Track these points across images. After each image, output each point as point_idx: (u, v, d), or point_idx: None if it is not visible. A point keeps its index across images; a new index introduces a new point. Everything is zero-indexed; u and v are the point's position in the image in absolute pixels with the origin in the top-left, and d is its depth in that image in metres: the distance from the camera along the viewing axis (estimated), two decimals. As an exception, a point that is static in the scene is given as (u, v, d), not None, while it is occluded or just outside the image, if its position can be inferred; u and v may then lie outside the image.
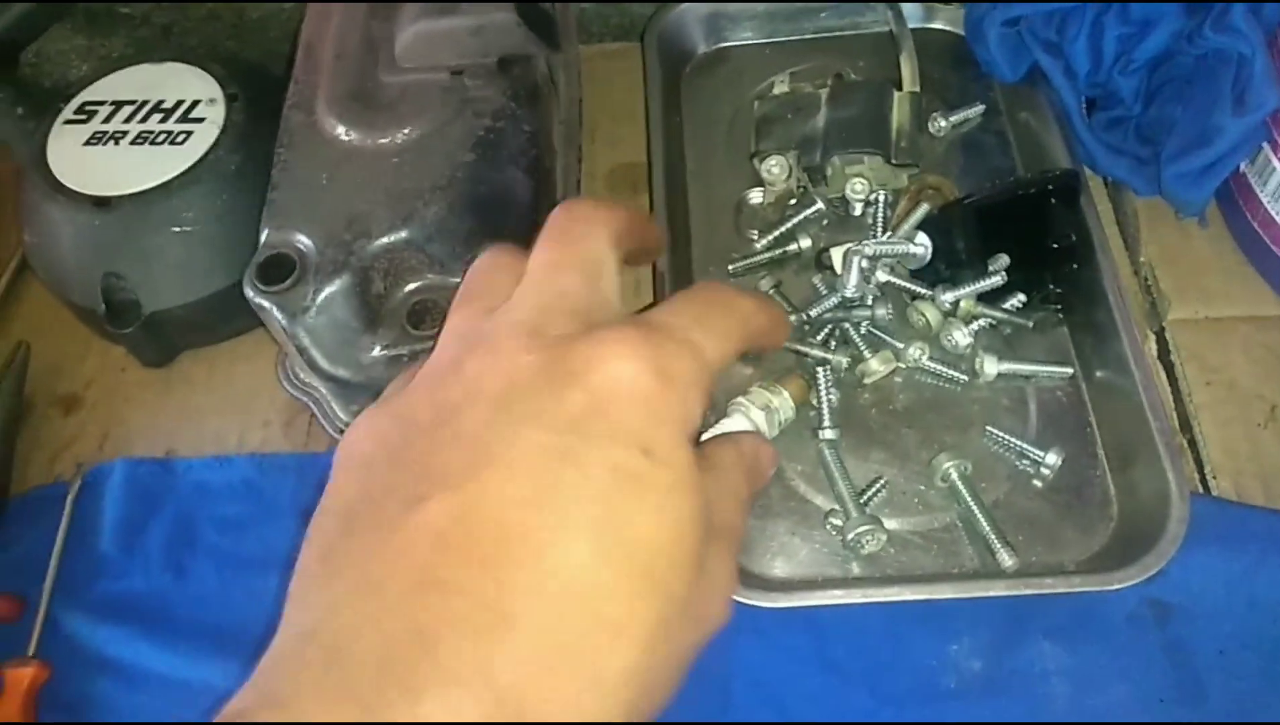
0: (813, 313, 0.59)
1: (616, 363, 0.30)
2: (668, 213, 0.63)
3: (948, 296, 0.57)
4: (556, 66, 0.63)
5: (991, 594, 0.50)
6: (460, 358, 0.32)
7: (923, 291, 0.58)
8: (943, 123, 0.67)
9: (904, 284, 0.59)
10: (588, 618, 0.27)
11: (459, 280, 0.53)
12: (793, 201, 0.65)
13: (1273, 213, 0.58)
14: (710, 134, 0.70)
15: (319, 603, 0.28)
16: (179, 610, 0.56)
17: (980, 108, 0.68)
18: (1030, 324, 0.58)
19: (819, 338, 0.59)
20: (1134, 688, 0.50)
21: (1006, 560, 0.51)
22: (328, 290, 0.52)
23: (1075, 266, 0.58)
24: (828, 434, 0.55)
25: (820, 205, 0.64)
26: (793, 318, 0.59)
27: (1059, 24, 0.62)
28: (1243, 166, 0.59)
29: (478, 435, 0.30)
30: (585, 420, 0.29)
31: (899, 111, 0.64)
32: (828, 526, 0.54)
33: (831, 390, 0.56)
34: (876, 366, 0.57)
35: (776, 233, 0.63)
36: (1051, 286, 0.58)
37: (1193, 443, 0.56)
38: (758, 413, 0.44)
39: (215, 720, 0.26)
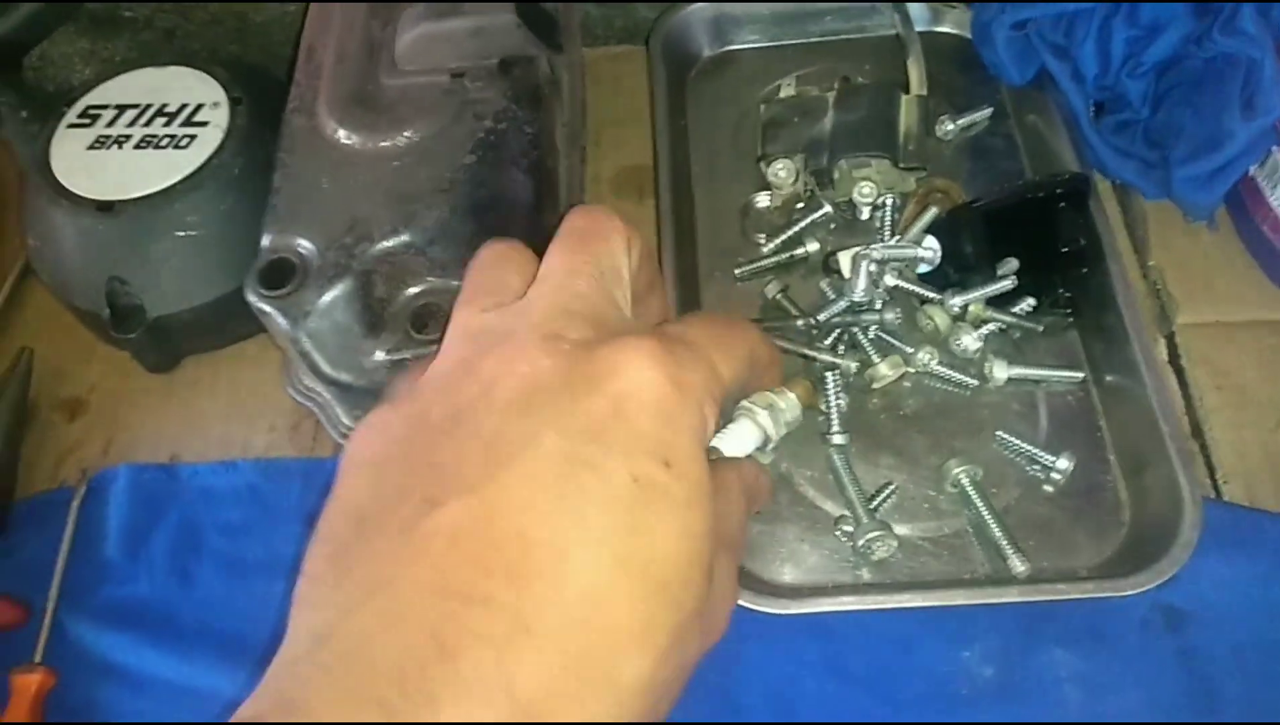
0: (821, 317, 0.59)
1: (637, 370, 0.30)
2: (674, 217, 0.63)
3: (957, 301, 0.57)
4: (559, 67, 0.62)
5: (1003, 600, 0.50)
6: (473, 357, 0.32)
7: (931, 296, 0.58)
8: (950, 126, 0.67)
9: (913, 288, 0.58)
10: (606, 628, 0.27)
11: (461, 283, 0.53)
12: (800, 205, 0.65)
13: (1283, 216, 0.57)
14: (716, 137, 0.70)
15: (330, 605, 0.28)
16: (184, 616, 0.56)
17: (988, 111, 0.68)
18: (1040, 328, 0.58)
19: (827, 342, 0.59)
20: (1147, 694, 0.49)
21: (1018, 566, 0.50)
22: (330, 295, 0.52)
23: (1085, 270, 0.58)
24: (837, 439, 0.55)
25: (827, 209, 0.63)
26: (800, 322, 0.59)
27: (1067, 27, 0.61)
28: (1252, 170, 0.59)
29: (495, 437, 0.30)
30: (606, 427, 0.29)
31: (906, 115, 0.63)
32: (837, 532, 0.53)
33: (840, 395, 0.56)
34: (885, 371, 0.56)
35: (783, 237, 0.63)
36: (1061, 290, 0.58)
37: (1203, 447, 0.56)
38: (763, 415, 0.43)
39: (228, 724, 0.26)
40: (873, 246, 0.58)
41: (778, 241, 0.63)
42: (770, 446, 0.45)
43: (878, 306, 0.58)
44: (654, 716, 0.29)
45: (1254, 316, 0.59)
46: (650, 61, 0.71)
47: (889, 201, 0.62)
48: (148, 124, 0.62)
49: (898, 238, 0.60)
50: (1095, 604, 0.50)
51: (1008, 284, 0.57)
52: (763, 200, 0.66)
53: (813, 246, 0.62)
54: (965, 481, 0.53)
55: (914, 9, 0.70)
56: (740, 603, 0.49)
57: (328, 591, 0.29)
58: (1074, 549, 0.52)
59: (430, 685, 0.25)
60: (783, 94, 0.69)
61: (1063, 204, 0.57)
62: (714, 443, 0.44)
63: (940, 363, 0.57)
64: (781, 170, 0.63)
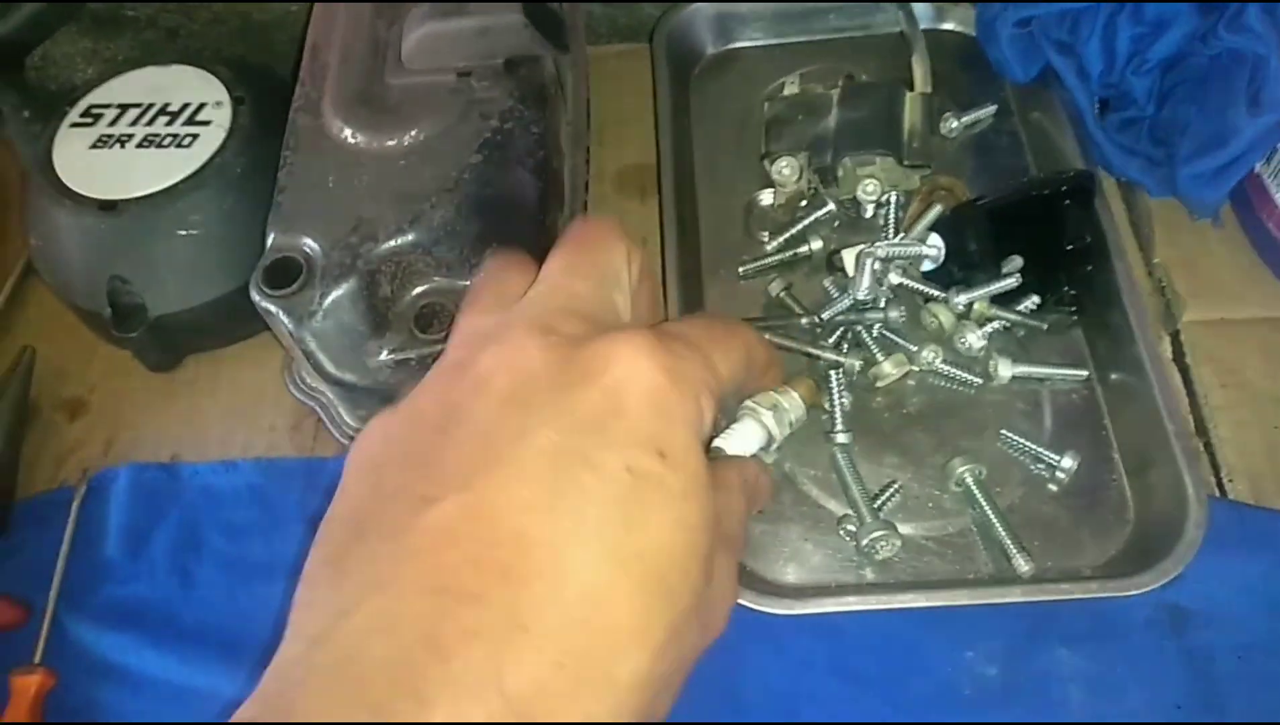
0: (825, 315, 0.59)
1: (631, 362, 0.30)
2: (677, 215, 0.63)
3: (961, 299, 0.57)
4: (564, 67, 0.62)
5: (1008, 600, 0.50)
6: (468, 356, 0.32)
7: (936, 294, 0.58)
8: (954, 123, 0.67)
9: (917, 286, 0.58)
10: (601, 625, 0.27)
11: (467, 283, 0.53)
12: (803, 203, 0.65)
13: (1289, 213, 0.57)
14: (720, 135, 0.70)
15: (327, 607, 0.28)
16: (185, 616, 0.56)
17: (992, 108, 0.67)
18: (1044, 326, 0.58)
19: (831, 341, 0.58)
20: (1151, 694, 0.49)
21: (1023, 566, 0.50)
22: (334, 294, 0.52)
23: (1089, 268, 0.57)
24: (840, 438, 0.55)
25: (831, 207, 0.63)
26: (804, 321, 0.59)
27: (1072, 24, 0.61)
28: (1257, 167, 0.58)
29: (488, 433, 0.29)
30: (600, 420, 0.29)
31: (910, 112, 0.63)
32: (841, 532, 0.53)
33: (844, 394, 0.56)
34: (889, 370, 0.56)
35: (787, 235, 0.63)
36: (1066, 288, 0.58)
37: (1208, 445, 0.56)
38: (767, 415, 0.43)
39: None
40: (877, 244, 0.58)
41: (781, 239, 0.63)
42: (774, 446, 0.45)
43: (882, 305, 0.58)
44: (653, 714, 0.29)
45: (1259, 314, 0.59)
46: (654, 60, 0.71)
47: (893, 199, 0.62)
48: (150, 123, 0.62)
49: (902, 235, 0.60)
50: (1100, 604, 0.50)
51: (1012, 282, 0.57)
52: (766, 198, 0.65)
53: (816, 244, 0.62)
54: (969, 480, 0.53)
55: (918, 6, 0.70)
56: (743, 603, 0.49)
57: (324, 594, 0.29)
58: (1078, 548, 0.52)
59: (422, 685, 0.25)
60: (786, 92, 0.69)
61: (1067, 201, 0.57)
62: (717, 442, 0.44)
63: (944, 361, 0.57)
64: (785, 168, 0.63)
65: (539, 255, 0.56)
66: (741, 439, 0.42)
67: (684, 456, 0.30)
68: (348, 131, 0.56)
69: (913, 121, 0.63)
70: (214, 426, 0.62)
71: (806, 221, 0.63)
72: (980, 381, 0.57)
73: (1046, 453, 0.54)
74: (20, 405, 0.62)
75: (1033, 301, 0.58)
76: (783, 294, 0.61)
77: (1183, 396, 0.57)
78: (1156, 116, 0.61)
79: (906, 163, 0.62)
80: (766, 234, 0.64)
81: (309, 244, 0.53)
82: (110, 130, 0.62)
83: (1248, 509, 0.53)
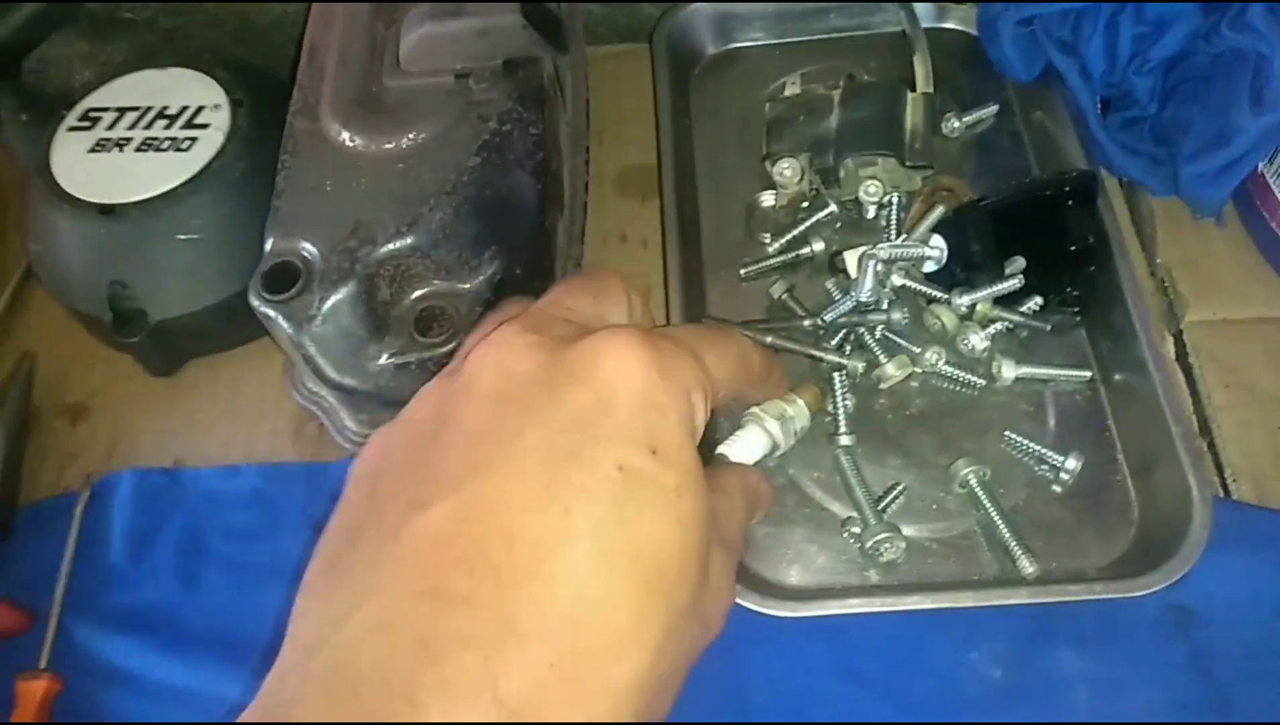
0: (827, 317, 0.58)
1: (619, 358, 0.30)
2: (678, 216, 0.62)
3: (964, 300, 0.57)
4: (563, 68, 0.62)
5: (1012, 602, 0.50)
6: (460, 364, 0.33)
7: (938, 295, 0.58)
8: (956, 123, 0.66)
9: (919, 287, 0.58)
10: (596, 626, 0.27)
11: (466, 286, 0.53)
12: (805, 204, 0.64)
13: (1292, 212, 0.57)
14: (720, 136, 0.69)
15: (322, 616, 0.28)
16: (189, 621, 0.55)
17: (994, 108, 0.67)
18: (1047, 327, 0.58)
19: (833, 342, 0.58)
20: (1157, 695, 0.49)
21: (1027, 567, 0.50)
22: (334, 298, 0.52)
23: (1092, 268, 0.57)
24: (844, 440, 0.55)
25: (833, 208, 0.63)
26: (806, 322, 0.59)
27: (1074, 23, 0.61)
28: (1260, 166, 0.58)
29: (478, 435, 0.29)
30: (590, 418, 0.29)
31: (912, 112, 0.63)
32: (845, 534, 0.53)
33: (848, 396, 0.55)
34: (893, 371, 0.56)
35: (789, 236, 0.63)
36: (1069, 289, 0.58)
37: (1212, 446, 0.56)
38: (773, 423, 0.43)
39: None
40: (879, 246, 0.57)
41: (783, 241, 0.63)
42: (778, 453, 0.45)
43: (884, 306, 0.58)
44: (652, 715, 0.29)
45: (1262, 313, 0.59)
46: (654, 60, 0.70)
47: (895, 200, 0.62)
48: (148, 126, 0.62)
49: (904, 237, 0.60)
50: (1104, 605, 0.49)
51: (1015, 283, 0.57)
52: (767, 199, 0.65)
53: (818, 246, 0.62)
54: (973, 482, 0.53)
55: (919, 5, 0.70)
56: (747, 605, 0.49)
57: (320, 603, 0.29)
58: (1083, 549, 0.52)
59: (415, 690, 0.25)
60: (787, 92, 0.68)
61: (1070, 202, 0.57)
62: (721, 449, 0.44)
63: (947, 362, 0.57)
64: (786, 169, 0.63)
65: (539, 256, 0.56)
66: (745, 446, 0.42)
67: (676, 453, 0.30)
68: (345, 134, 0.56)
69: (914, 122, 0.63)
70: (216, 431, 0.62)
71: (808, 223, 0.63)
72: (983, 383, 0.57)
73: (1050, 454, 0.54)
74: (21, 411, 0.62)
75: (1035, 302, 0.58)
76: (785, 296, 0.61)
77: (1186, 397, 0.57)
78: (1159, 116, 0.61)
79: (908, 163, 0.62)
80: (768, 235, 0.64)
81: (307, 248, 0.52)
82: (109, 134, 0.62)
83: (1252, 509, 0.53)
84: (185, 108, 0.63)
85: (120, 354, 0.63)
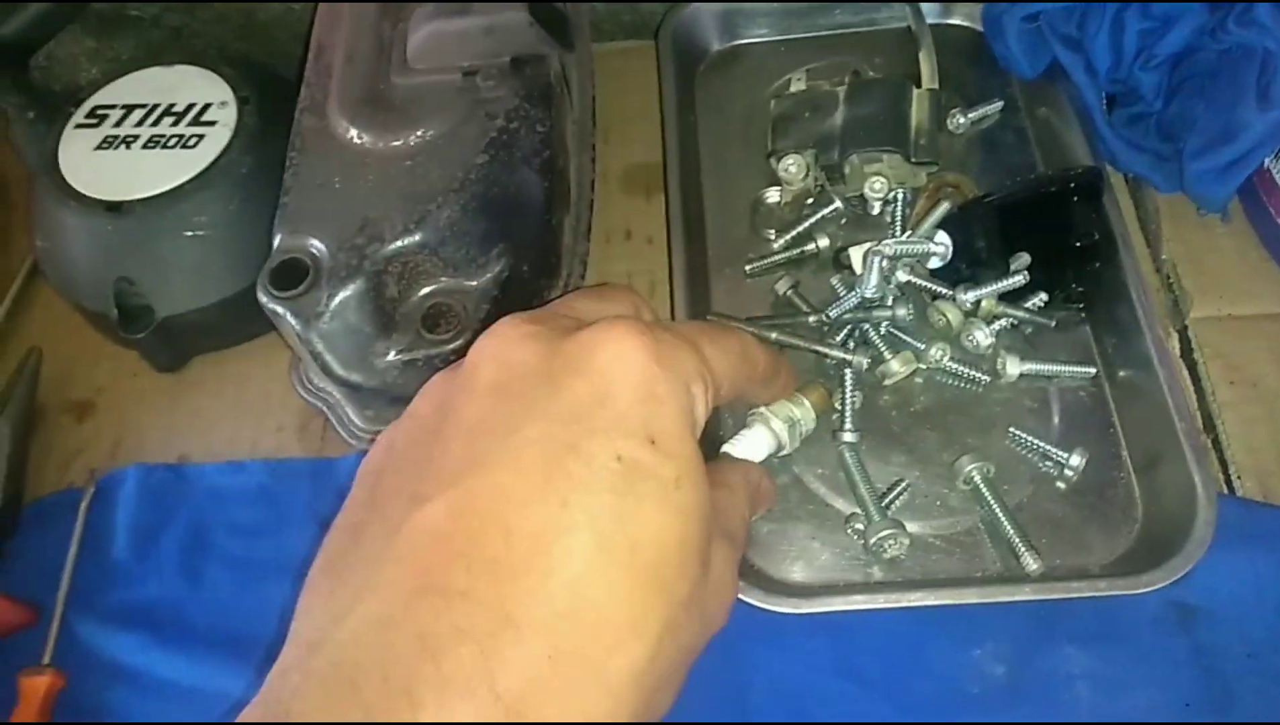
0: (832, 313, 0.58)
1: (617, 348, 0.30)
2: (683, 213, 0.62)
3: (969, 296, 0.57)
4: (569, 66, 0.62)
5: (1016, 599, 0.50)
6: (461, 360, 0.33)
7: (943, 291, 0.58)
8: (961, 120, 0.66)
9: (924, 283, 0.58)
10: (593, 619, 0.27)
11: (474, 283, 0.53)
12: (810, 200, 0.64)
13: (1297, 209, 0.57)
14: (726, 133, 0.69)
15: (323, 612, 0.28)
16: (194, 617, 0.56)
17: (999, 104, 0.67)
18: (1052, 323, 0.58)
19: (838, 339, 0.58)
20: (1160, 692, 0.49)
21: (1031, 564, 0.50)
22: (341, 295, 0.52)
23: (1097, 265, 0.57)
24: (848, 437, 0.55)
25: (838, 204, 0.63)
26: (811, 319, 0.59)
27: (1079, 19, 0.61)
28: (1266, 162, 0.58)
29: (477, 428, 0.30)
30: (588, 409, 0.29)
31: (918, 109, 0.63)
32: (848, 530, 0.53)
33: (854, 393, 0.55)
34: (897, 368, 0.56)
35: (794, 232, 0.63)
36: (1073, 285, 0.58)
37: (1216, 442, 0.56)
38: (779, 423, 0.43)
39: None
40: (884, 242, 0.57)
41: (788, 237, 0.63)
42: (783, 453, 0.45)
43: (889, 302, 0.58)
44: (652, 709, 0.29)
45: (1267, 310, 0.59)
46: (659, 57, 0.70)
47: (900, 196, 0.61)
48: (155, 124, 0.62)
49: (909, 233, 0.60)
50: (1108, 602, 0.49)
51: (1020, 279, 0.57)
52: (773, 196, 0.65)
53: (823, 242, 0.62)
54: (977, 478, 0.53)
55: (925, 2, 0.70)
56: (750, 601, 0.49)
57: (322, 600, 0.29)
58: (1087, 546, 0.52)
59: (414, 685, 0.25)
60: (793, 88, 0.68)
61: (1075, 198, 0.57)
62: (726, 447, 0.44)
63: (952, 359, 0.57)
64: (792, 165, 0.63)
65: (546, 253, 0.56)
66: (750, 445, 0.42)
67: (675, 444, 0.29)
68: (353, 132, 0.56)
69: (920, 118, 0.62)
70: (221, 427, 0.62)
71: (813, 219, 0.63)
72: (988, 379, 0.57)
73: (1054, 450, 0.54)
74: (27, 407, 0.62)
75: (1040, 298, 0.58)
76: (789, 292, 0.61)
77: (1191, 393, 0.57)
78: (1165, 112, 0.61)
79: (914, 160, 0.62)
80: (773, 232, 0.64)
81: (315, 245, 0.53)
82: (116, 131, 0.62)
83: (1257, 506, 0.53)
84: (192, 105, 0.63)
85: (126, 350, 0.63)
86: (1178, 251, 0.61)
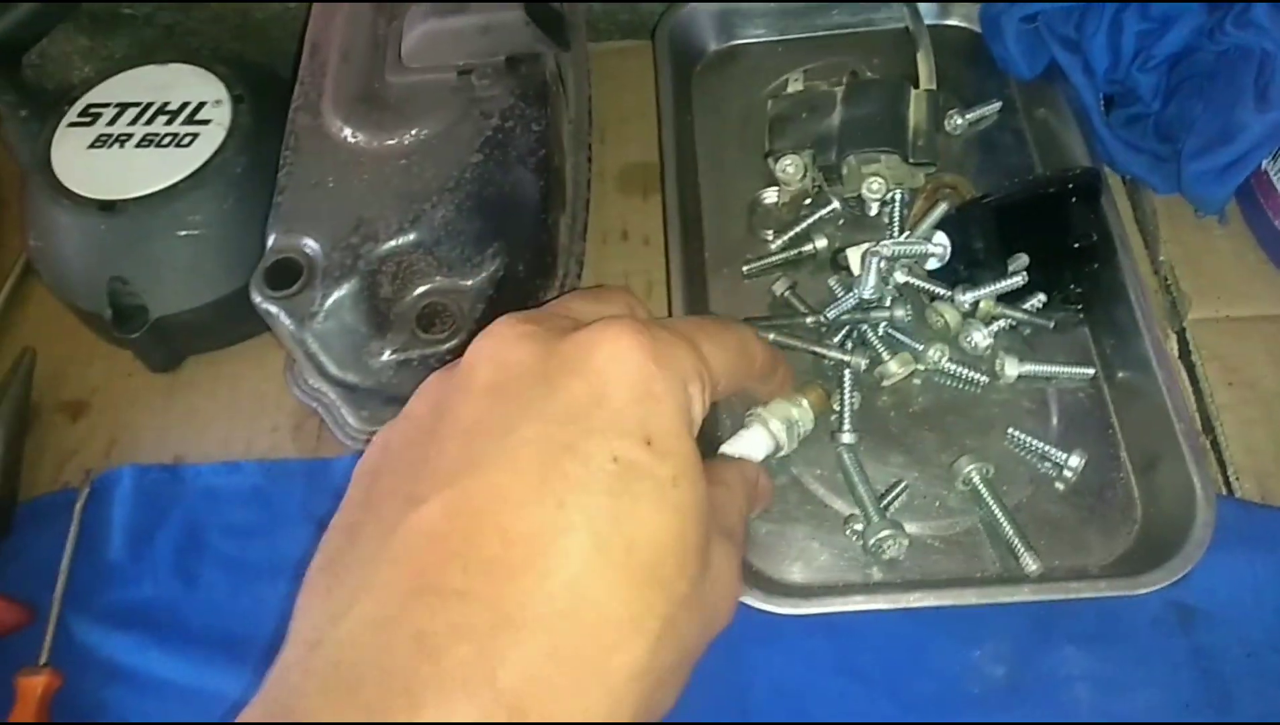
0: (830, 314, 0.58)
1: (613, 348, 0.30)
2: (680, 213, 0.62)
3: (967, 297, 0.57)
4: (565, 65, 0.62)
5: (1015, 599, 0.50)
6: (456, 361, 0.32)
7: (941, 292, 0.58)
8: (959, 120, 0.66)
9: (922, 284, 0.58)
10: (593, 618, 0.27)
11: (469, 283, 0.53)
12: (808, 201, 0.64)
13: (1295, 210, 0.57)
14: (723, 133, 0.69)
15: (322, 612, 0.28)
16: (189, 617, 0.55)
17: (997, 105, 0.67)
18: (1051, 324, 0.58)
19: (836, 340, 0.58)
20: (1159, 693, 0.49)
21: (1030, 565, 0.50)
22: (336, 295, 0.51)
23: (1095, 266, 0.57)
24: (846, 438, 0.55)
25: (836, 205, 0.63)
26: (809, 320, 0.59)
27: (1077, 20, 0.61)
28: (1264, 164, 0.58)
29: (473, 429, 0.29)
30: (584, 409, 0.29)
31: (915, 109, 0.63)
32: (847, 531, 0.53)
33: (853, 394, 0.55)
34: (895, 369, 0.56)
35: (791, 233, 0.63)
36: (1072, 286, 0.58)
37: (1215, 444, 0.56)
38: (777, 423, 0.43)
39: None
40: (882, 243, 0.57)
41: (785, 238, 0.63)
42: (781, 454, 0.45)
43: (887, 303, 0.58)
44: (653, 707, 0.29)
45: (1265, 311, 0.59)
46: (656, 57, 0.70)
47: (898, 197, 0.61)
48: (149, 122, 0.62)
49: (907, 234, 0.60)
50: (1107, 603, 0.49)
51: (1018, 280, 0.56)
52: (770, 196, 0.65)
53: (821, 243, 0.62)
54: (976, 479, 0.53)
55: (922, 3, 0.69)
56: (749, 602, 0.49)
57: (320, 599, 0.29)
58: (1086, 547, 0.52)
59: (414, 685, 0.25)
60: (790, 89, 0.68)
61: (1073, 199, 0.57)
62: (724, 448, 0.44)
63: (950, 360, 0.57)
64: (789, 166, 0.63)
65: (541, 253, 0.56)
66: (748, 445, 0.42)
67: (672, 443, 0.29)
68: (348, 131, 0.56)
69: (917, 119, 0.62)
70: (216, 427, 0.62)
71: (811, 220, 0.63)
72: (986, 380, 0.57)
73: (1053, 451, 0.54)
74: (21, 407, 0.62)
75: (1039, 300, 0.57)
76: (787, 293, 0.61)
77: (1189, 394, 0.57)
78: (1162, 113, 0.61)
79: (911, 160, 0.62)
80: (770, 232, 0.63)
81: (310, 244, 0.52)
82: (109, 130, 0.62)
83: (1255, 507, 0.53)
84: (186, 103, 0.62)
85: (120, 350, 0.63)
86: (1176, 253, 0.61)
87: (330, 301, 0.51)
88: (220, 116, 0.62)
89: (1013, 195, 0.58)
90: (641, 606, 0.28)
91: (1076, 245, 0.56)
